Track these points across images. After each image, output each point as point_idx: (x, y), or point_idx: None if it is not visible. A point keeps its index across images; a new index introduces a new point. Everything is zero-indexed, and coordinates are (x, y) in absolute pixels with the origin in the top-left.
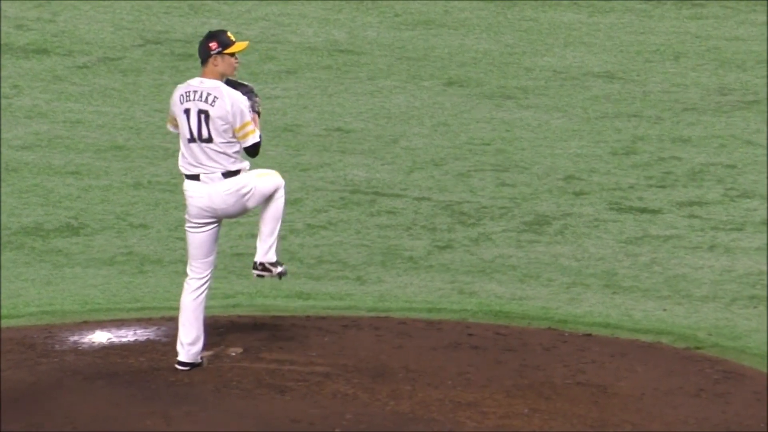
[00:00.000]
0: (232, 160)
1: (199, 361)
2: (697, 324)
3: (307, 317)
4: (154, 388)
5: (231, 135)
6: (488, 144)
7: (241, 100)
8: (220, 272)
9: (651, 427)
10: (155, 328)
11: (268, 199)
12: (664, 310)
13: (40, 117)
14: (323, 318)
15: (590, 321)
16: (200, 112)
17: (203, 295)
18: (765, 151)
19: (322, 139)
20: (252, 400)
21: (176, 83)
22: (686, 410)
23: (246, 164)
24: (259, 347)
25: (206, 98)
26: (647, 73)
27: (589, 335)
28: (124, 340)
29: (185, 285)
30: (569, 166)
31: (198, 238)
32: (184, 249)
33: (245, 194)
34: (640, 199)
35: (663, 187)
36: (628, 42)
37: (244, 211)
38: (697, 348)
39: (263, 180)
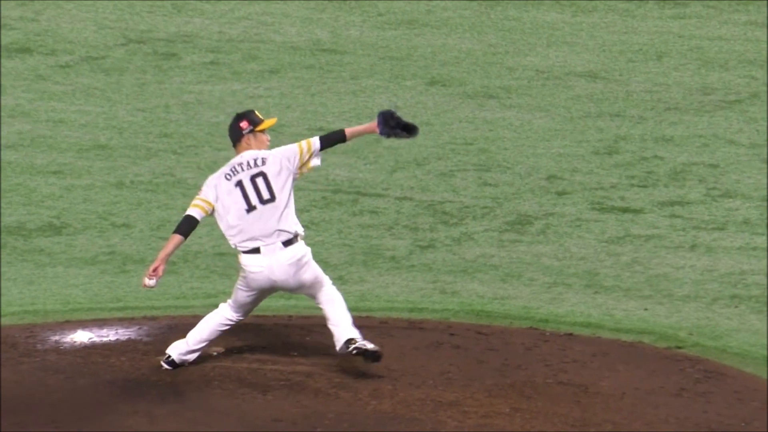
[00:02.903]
0: (294, 221)
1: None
2: (678, 323)
3: (290, 317)
4: (137, 387)
5: (293, 180)
6: (471, 144)
7: (282, 147)
8: (202, 272)
9: (632, 427)
10: (137, 327)
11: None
12: (646, 309)
13: (22, 116)
14: (305, 318)
15: (572, 320)
16: (254, 177)
17: (225, 326)
18: (747, 151)
19: (304, 138)
20: (234, 399)
21: (159, 82)
22: (667, 409)
23: (302, 230)
24: (242, 347)
25: (255, 163)
26: (630, 73)
27: (571, 335)
28: (105, 339)
29: (221, 307)
30: (551, 165)
31: (246, 300)
32: None
33: (304, 264)
34: (622, 198)
35: (645, 186)
36: (611, 41)
37: (299, 286)
38: (678, 347)
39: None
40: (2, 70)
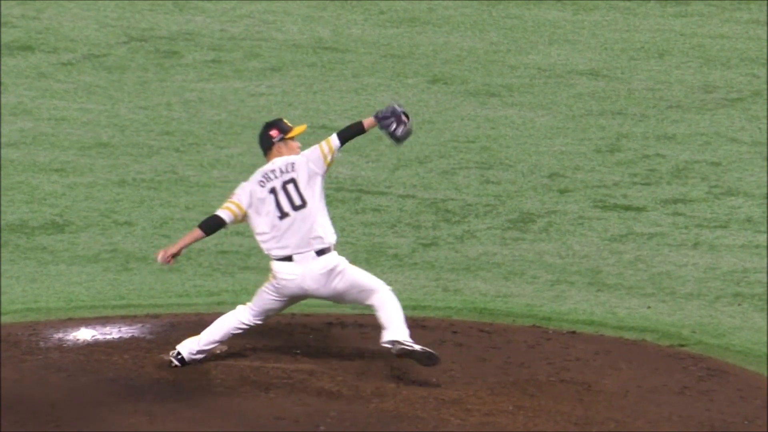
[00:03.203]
0: (328, 228)
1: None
2: (681, 321)
3: (292, 315)
4: (139, 385)
5: (322, 181)
6: (473, 142)
7: (307, 151)
8: (204, 269)
9: (635, 425)
10: (140, 325)
11: (377, 305)
12: (648, 307)
13: (24, 114)
14: (308, 315)
15: (574, 318)
16: (285, 183)
17: (239, 330)
18: (749, 149)
19: (306, 136)
20: (236, 397)
21: (161, 80)
22: (670, 408)
23: (334, 237)
24: (244, 345)
25: (285, 169)
26: (632, 71)
27: (574, 333)
28: (108, 337)
29: (239, 309)
30: (554, 163)
31: (272, 305)
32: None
33: (337, 273)
34: (625, 196)
35: (647, 184)
36: (613, 39)
37: (331, 295)
38: (681, 345)
39: (355, 267)
40: (4, 68)
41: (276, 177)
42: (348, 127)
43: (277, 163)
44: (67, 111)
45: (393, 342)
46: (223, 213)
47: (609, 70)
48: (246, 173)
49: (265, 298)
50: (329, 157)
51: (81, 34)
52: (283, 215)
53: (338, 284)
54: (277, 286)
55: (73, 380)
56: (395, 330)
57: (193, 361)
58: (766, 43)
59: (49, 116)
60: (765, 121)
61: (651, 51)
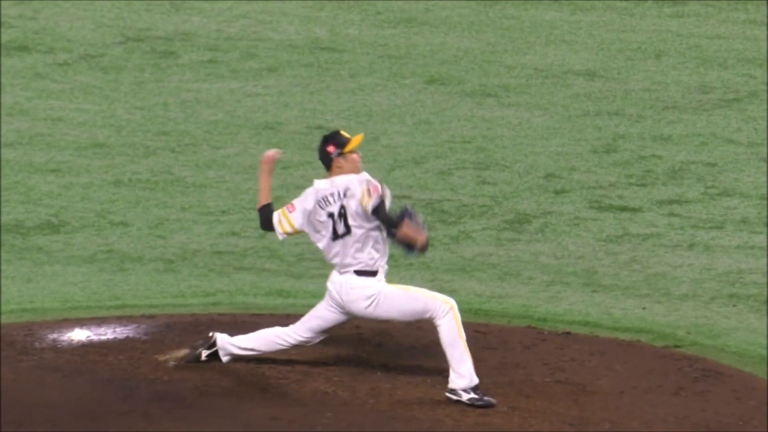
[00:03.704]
0: (370, 256)
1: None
2: (676, 322)
3: (288, 315)
4: (134, 386)
5: (366, 217)
6: (469, 142)
7: (363, 176)
8: (200, 270)
9: (630, 426)
10: (135, 326)
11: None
12: (644, 308)
13: (20, 114)
14: (302, 315)
15: (570, 319)
16: (341, 208)
17: (279, 343)
18: (745, 150)
19: (303, 136)
20: (232, 398)
21: (157, 81)
22: (665, 408)
23: (384, 265)
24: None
25: (343, 194)
26: (628, 72)
27: (569, 333)
28: (103, 338)
29: (287, 328)
30: (550, 164)
31: (320, 313)
32: (164, 246)
33: (369, 296)
34: (621, 197)
35: (643, 185)
36: (610, 40)
37: (365, 316)
38: (677, 346)
39: (399, 291)
40: (1, 68)
41: (334, 201)
42: (386, 215)
43: (336, 184)
44: (64, 111)
45: (451, 391)
46: (278, 224)
47: (606, 71)
48: (242, 174)
49: (317, 306)
50: (362, 208)
51: (77, 34)
52: (336, 237)
53: (374, 309)
54: (328, 291)
55: (69, 380)
56: (454, 376)
57: (225, 350)
58: (763, 44)
59: (46, 116)
60: (761, 121)
61: (648, 51)
